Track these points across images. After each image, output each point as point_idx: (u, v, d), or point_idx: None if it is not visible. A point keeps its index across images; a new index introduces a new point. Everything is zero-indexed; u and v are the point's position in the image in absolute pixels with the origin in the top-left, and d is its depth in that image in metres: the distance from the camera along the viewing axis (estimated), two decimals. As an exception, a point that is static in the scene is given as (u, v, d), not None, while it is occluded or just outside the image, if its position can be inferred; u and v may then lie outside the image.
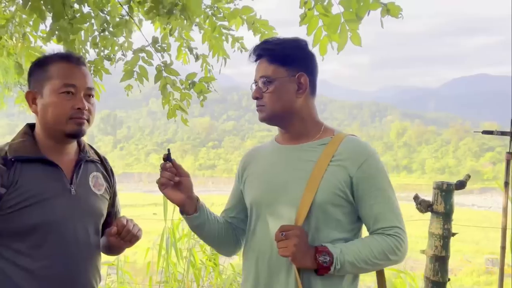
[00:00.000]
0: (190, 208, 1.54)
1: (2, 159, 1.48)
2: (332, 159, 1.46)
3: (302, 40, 1.58)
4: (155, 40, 2.47)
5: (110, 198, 1.72)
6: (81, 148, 1.66)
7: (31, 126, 1.62)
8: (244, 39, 3.19)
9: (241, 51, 3.18)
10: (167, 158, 1.51)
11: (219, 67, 3.14)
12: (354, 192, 1.46)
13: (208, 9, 2.85)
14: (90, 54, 2.75)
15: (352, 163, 1.45)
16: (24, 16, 2.94)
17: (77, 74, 1.56)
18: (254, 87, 1.56)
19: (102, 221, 1.67)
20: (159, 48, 2.47)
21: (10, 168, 1.47)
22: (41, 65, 1.59)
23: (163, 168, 1.50)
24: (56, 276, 1.50)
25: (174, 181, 1.50)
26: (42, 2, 2.63)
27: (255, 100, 1.56)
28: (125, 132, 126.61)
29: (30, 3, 2.66)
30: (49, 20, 2.69)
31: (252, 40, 3.25)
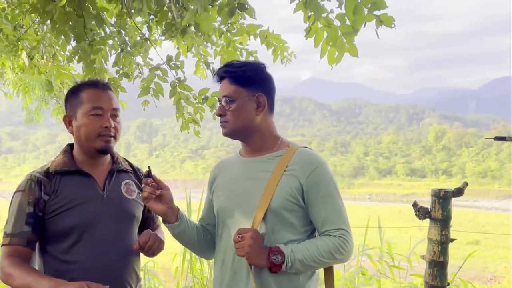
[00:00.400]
0: (171, 217, 1.73)
1: (45, 173, 1.78)
2: (286, 169, 1.63)
3: (261, 63, 1.78)
4: (169, 58, 2.66)
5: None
6: (114, 160, 1.91)
7: (71, 145, 1.91)
8: (257, 52, 3.34)
9: None
10: (148, 174, 1.69)
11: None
12: (305, 198, 1.62)
13: (223, 26, 3.02)
14: (109, 72, 2.97)
15: (303, 172, 1.62)
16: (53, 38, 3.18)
17: (104, 98, 1.82)
18: (218, 105, 1.75)
19: (136, 223, 1.90)
20: (173, 65, 2.66)
21: (51, 180, 1.77)
22: (74, 92, 1.87)
23: (145, 184, 1.68)
24: (92, 269, 1.73)
25: (155, 194, 1.68)
26: (66, 26, 2.87)
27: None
28: (160, 139, 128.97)
29: (57, 26, 2.91)
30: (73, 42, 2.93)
31: (266, 53, 3.42)
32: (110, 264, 1.77)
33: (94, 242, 1.75)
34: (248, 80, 1.68)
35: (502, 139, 2.88)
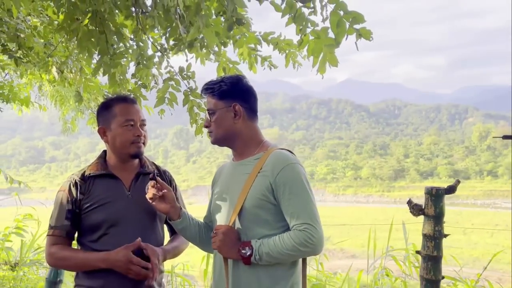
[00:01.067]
0: (174, 215, 1.97)
1: (82, 175, 2.14)
2: (260, 170, 1.81)
3: (239, 76, 2.00)
4: (181, 70, 2.90)
5: None
6: (142, 164, 2.23)
7: (105, 151, 2.23)
8: (272, 57, 3.55)
9: (270, 68, 3.54)
10: (153, 177, 1.96)
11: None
12: (275, 196, 1.78)
13: (237, 36, 3.22)
14: (130, 83, 3.24)
15: (272, 173, 1.78)
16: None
17: (133, 111, 2.16)
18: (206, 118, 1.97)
19: (159, 220, 2.19)
20: (185, 76, 2.89)
21: (86, 182, 2.12)
22: (106, 107, 2.19)
23: (151, 186, 1.95)
24: None
25: (159, 195, 1.93)
26: (90, 42, 3.14)
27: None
28: (197, 146, 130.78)
29: (82, 43, 3.19)
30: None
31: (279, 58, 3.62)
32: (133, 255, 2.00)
33: (119, 236, 2.04)
34: (224, 93, 1.90)
35: (510, 137, 2.90)
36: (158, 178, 1.98)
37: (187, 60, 2.72)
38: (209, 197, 2.15)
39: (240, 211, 1.83)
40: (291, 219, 1.75)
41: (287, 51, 3.35)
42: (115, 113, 2.13)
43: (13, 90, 4.95)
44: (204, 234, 2.06)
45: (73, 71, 3.59)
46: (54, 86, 7.56)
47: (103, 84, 3.97)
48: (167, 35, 2.60)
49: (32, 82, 6.58)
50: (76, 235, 2.15)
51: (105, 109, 2.19)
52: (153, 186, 1.95)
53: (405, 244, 5.35)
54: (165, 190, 1.96)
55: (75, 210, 2.08)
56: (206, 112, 1.95)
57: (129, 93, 3.12)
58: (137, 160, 2.22)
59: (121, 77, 2.98)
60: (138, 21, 2.59)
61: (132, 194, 2.12)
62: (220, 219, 1.93)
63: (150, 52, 3.05)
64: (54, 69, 3.56)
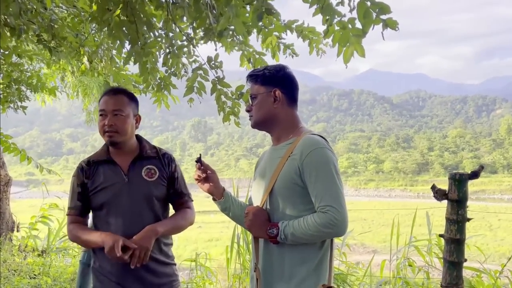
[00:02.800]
0: (217, 195, 2.15)
1: (87, 161, 2.40)
2: (291, 154, 1.94)
3: (282, 65, 2.11)
4: (209, 59, 3.06)
5: (167, 184, 2.40)
6: (140, 148, 2.42)
7: None
8: (294, 45, 3.67)
9: (293, 56, 3.68)
10: (198, 160, 2.14)
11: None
12: (303, 179, 1.90)
13: (261, 24, 3.35)
14: (160, 72, 3.41)
15: (300, 156, 1.90)
16: (110, 43, 3.64)
17: (107, 101, 2.32)
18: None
19: (157, 200, 2.36)
20: (213, 65, 3.06)
21: (90, 167, 2.37)
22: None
23: (196, 168, 2.15)
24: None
25: (203, 176, 2.13)
26: (121, 32, 3.31)
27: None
28: (215, 138, 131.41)
29: (113, 32, 3.36)
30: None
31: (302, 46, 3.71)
32: (132, 234, 2.23)
33: (118, 216, 2.28)
34: (266, 80, 2.04)
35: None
36: (203, 160, 2.17)
37: (216, 50, 2.87)
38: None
39: (270, 192, 1.97)
40: (316, 201, 1.85)
41: (310, 39, 3.47)
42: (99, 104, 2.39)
43: (41, 80, 5.17)
44: None
45: (103, 60, 3.77)
46: (77, 76, 7.83)
47: (132, 73, 4.15)
48: (194, 25, 2.74)
49: (55, 73, 6.83)
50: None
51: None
52: (198, 168, 2.14)
53: (429, 235, 5.43)
54: (209, 172, 2.14)
55: (84, 192, 2.34)
56: (249, 97, 2.10)
57: (159, 81, 3.29)
58: (135, 145, 2.41)
59: (151, 66, 3.14)
60: (169, 11, 2.75)
61: (129, 178, 2.32)
62: (255, 200, 2.09)
63: (179, 41, 3.21)
64: (85, 59, 3.75)
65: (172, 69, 3.28)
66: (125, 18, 3.16)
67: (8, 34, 3.61)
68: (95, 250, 2.36)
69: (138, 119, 2.43)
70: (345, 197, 1.90)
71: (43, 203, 6.91)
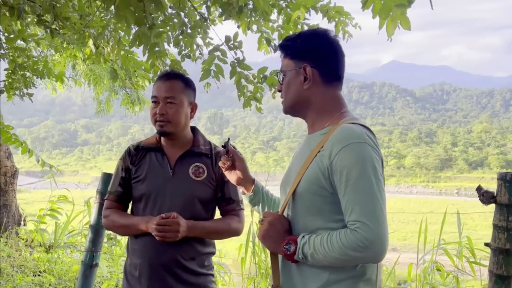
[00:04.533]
0: (246, 187, 1.90)
1: (137, 146, 2.28)
2: (320, 149, 1.52)
3: (318, 31, 1.68)
4: (227, 39, 2.80)
5: (215, 186, 2.24)
6: (194, 141, 2.27)
7: None
8: (319, 26, 3.33)
9: None
10: (225, 146, 1.91)
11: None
12: (332, 182, 1.49)
13: (281, 1, 3.08)
14: (170, 54, 3.17)
15: (330, 152, 1.48)
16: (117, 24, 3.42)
17: (159, 87, 2.20)
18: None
19: (200, 203, 2.20)
20: (232, 46, 2.80)
21: (138, 153, 2.25)
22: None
23: (222, 154, 1.93)
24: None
25: (228, 163, 1.88)
26: (127, 11, 3.08)
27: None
28: (231, 131, 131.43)
29: (120, 11, 3.14)
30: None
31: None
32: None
33: (154, 212, 2.14)
34: (296, 52, 1.63)
35: None
36: (231, 147, 1.92)
37: (239, 27, 2.61)
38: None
39: (293, 195, 1.58)
40: (345, 214, 1.44)
41: (336, 20, 3.19)
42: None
43: (48, 66, 4.98)
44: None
45: (109, 43, 3.55)
46: (88, 65, 7.66)
47: (141, 59, 3.91)
48: (209, 3, 2.50)
49: (66, 61, 6.66)
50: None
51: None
52: (224, 154, 1.92)
53: (459, 237, 5.16)
54: (237, 160, 1.89)
55: (127, 178, 2.24)
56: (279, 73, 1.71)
57: (170, 66, 3.05)
58: (188, 138, 2.27)
59: (159, 49, 2.90)
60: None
61: (175, 172, 2.18)
62: (281, 201, 1.71)
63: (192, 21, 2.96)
64: (90, 42, 3.53)
65: (185, 51, 3.03)
66: (132, -5, 2.94)
67: (7, 14, 3.41)
68: (129, 249, 2.25)
69: (194, 107, 2.28)
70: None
71: (52, 196, 6.78)
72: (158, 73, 3.13)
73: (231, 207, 2.28)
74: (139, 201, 2.21)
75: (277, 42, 3.30)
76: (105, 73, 8.10)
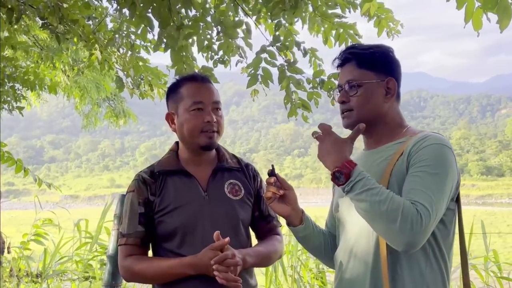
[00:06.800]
0: (295, 220, 1.74)
1: (151, 173, 1.90)
2: (402, 154, 1.52)
3: (388, 46, 1.69)
4: (276, 39, 2.52)
5: (253, 204, 1.97)
6: (219, 157, 1.96)
7: (177, 143, 1.99)
8: (356, 25, 3.10)
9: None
10: (272, 173, 1.72)
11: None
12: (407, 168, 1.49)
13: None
14: (198, 61, 2.88)
15: (411, 149, 1.50)
16: (131, 28, 3.14)
17: (203, 91, 1.89)
18: (338, 92, 1.69)
19: (242, 225, 1.91)
20: (282, 46, 2.52)
21: (157, 180, 1.88)
22: (174, 88, 1.94)
23: (268, 183, 1.71)
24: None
25: (279, 194, 1.69)
26: (150, 10, 2.81)
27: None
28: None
29: (137, 12, 2.86)
30: (156, 29, 2.87)
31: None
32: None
33: (196, 245, 1.79)
34: (377, 63, 1.63)
35: None
36: (278, 174, 1.73)
37: (296, 24, 2.34)
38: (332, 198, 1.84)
39: None
40: (408, 191, 1.43)
41: (378, 17, 2.97)
42: (182, 95, 1.89)
43: (39, 76, 4.64)
44: (330, 245, 1.81)
45: (120, 50, 3.26)
46: (70, 77, 7.32)
47: (157, 66, 3.60)
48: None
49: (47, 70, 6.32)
50: (152, 242, 1.92)
51: (173, 91, 1.94)
52: (271, 183, 1.70)
53: (486, 251, 5.04)
54: (285, 190, 1.71)
55: (149, 213, 1.85)
56: (346, 84, 1.64)
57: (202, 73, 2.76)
58: (214, 153, 1.97)
59: (187, 54, 2.62)
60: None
61: (209, 195, 1.88)
62: (353, 218, 1.59)
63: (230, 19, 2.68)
64: (97, 48, 3.23)
65: (217, 56, 2.74)
66: (156, -7, 2.68)
67: (5, 16, 3.10)
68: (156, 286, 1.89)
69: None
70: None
71: (36, 218, 6.39)
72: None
73: (272, 225, 2.02)
74: (170, 237, 1.85)
75: (306, 44, 3.07)
76: (92, 85, 7.78)
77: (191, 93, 1.87)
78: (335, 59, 1.72)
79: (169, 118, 1.94)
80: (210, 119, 1.84)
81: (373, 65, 1.62)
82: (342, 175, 1.44)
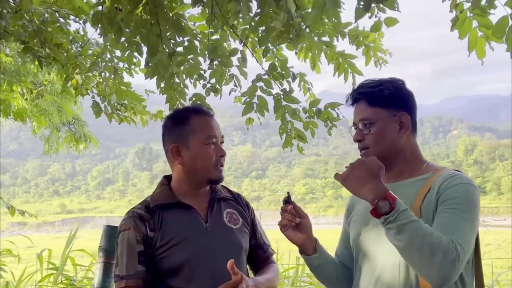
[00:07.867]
0: (309, 248, 1.76)
1: (146, 208, 1.86)
2: (429, 190, 1.58)
3: (398, 80, 1.75)
4: (273, 67, 2.53)
5: (249, 231, 2.00)
6: (212, 188, 1.97)
7: (167, 177, 1.99)
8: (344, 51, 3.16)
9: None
10: (287, 200, 1.74)
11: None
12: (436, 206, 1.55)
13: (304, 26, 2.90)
14: (189, 88, 2.88)
15: (439, 188, 1.56)
16: (115, 51, 3.11)
17: (215, 125, 1.92)
18: (353, 129, 1.76)
19: (244, 253, 1.94)
20: (278, 75, 2.54)
21: (154, 216, 1.84)
22: (181, 120, 1.93)
23: (283, 210, 1.73)
24: None
25: (295, 222, 1.72)
26: (138, 36, 2.79)
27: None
28: (162, 166, 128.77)
29: (124, 38, 2.83)
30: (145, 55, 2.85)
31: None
32: None
33: (207, 278, 1.79)
34: (387, 100, 1.68)
35: None
36: (294, 202, 1.75)
37: (296, 52, 2.37)
38: (343, 226, 1.92)
39: None
40: (440, 229, 1.46)
41: (366, 46, 3.05)
42: (194, 128, 1.89)
43: (5, 102, 4.49)
44: (341, 274, 1.84)
45: (102, 74, 3.21)
46: (29, 100, 7.14)
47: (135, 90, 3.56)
48: (253, 24, 2.26)
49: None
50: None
51: (180, 123, 1.93)
52: (287, 211, 1.72)
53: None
54: (300, 218, 1.75)
55: (148, 251, 1.80)
56: (359, 122, 1.71)
57: (194, 100, 2.75)
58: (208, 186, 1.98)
59: (181, 80, 2.60)
60: (216, 5, 2.25)
61: (211, 225, 1.88)
62: (380, 250, 1.63)
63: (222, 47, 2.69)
64: (78, 72, 3.18)
65: (209, 84, 2.73)
66: (148, 17, 2.67)
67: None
68: None
69: None
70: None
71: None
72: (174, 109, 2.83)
73: (268, 253, 2.06)
74: (176, 273, 1.80)
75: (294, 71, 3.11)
76: (54, 109, 7.58)
77: (206, 127, 1.89)
78: (347, 98, 1.79)
79: (175, 150, 1.90)
80: (224, 153, 1.89)
81: (383, 102, 1.67)
82: (387, 205, 1.44)
